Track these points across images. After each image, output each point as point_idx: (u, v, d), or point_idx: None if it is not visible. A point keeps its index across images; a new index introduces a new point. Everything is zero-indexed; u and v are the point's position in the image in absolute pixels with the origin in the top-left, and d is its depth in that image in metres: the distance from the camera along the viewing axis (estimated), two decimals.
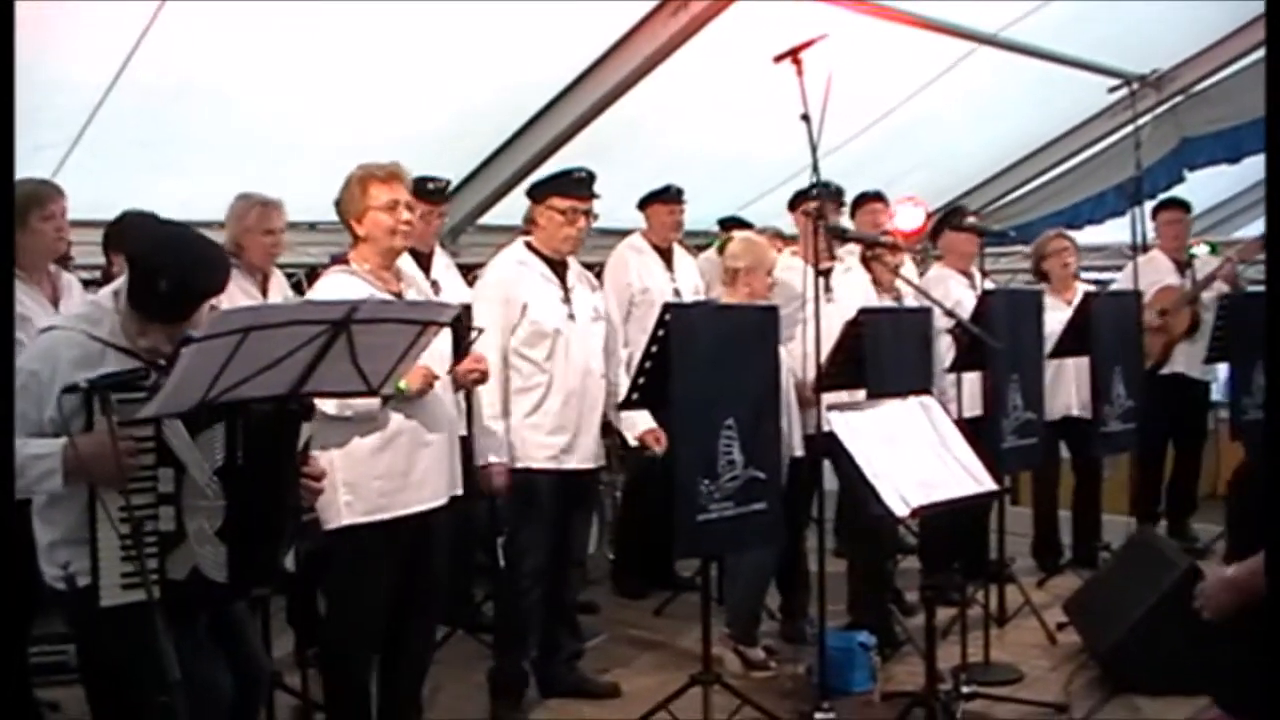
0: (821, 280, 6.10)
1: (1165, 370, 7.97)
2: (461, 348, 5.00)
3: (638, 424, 5.53)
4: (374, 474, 4.61)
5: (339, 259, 4.95)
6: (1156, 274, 8.01)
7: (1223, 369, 7.93)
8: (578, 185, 5.45)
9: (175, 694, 3.03)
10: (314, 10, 5.98)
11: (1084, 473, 7.76)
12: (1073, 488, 7.80)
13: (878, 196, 7.95)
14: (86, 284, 5.68)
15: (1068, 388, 7.31)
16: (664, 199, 7.47)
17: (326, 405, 4.34)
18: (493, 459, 5.34)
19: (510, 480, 5.37)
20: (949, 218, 7.65)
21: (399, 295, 4.67)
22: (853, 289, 6.33)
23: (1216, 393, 8.56)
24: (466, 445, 5.25)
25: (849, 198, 7.75)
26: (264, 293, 5.97)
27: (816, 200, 5.50)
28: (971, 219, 7.30)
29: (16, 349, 4.39)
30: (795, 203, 7.13)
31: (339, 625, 4.81)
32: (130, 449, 3.30)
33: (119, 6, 5.53)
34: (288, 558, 3.69)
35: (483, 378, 5.12)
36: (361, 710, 4.80)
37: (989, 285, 6.73)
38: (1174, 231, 8.25)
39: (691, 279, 7.53)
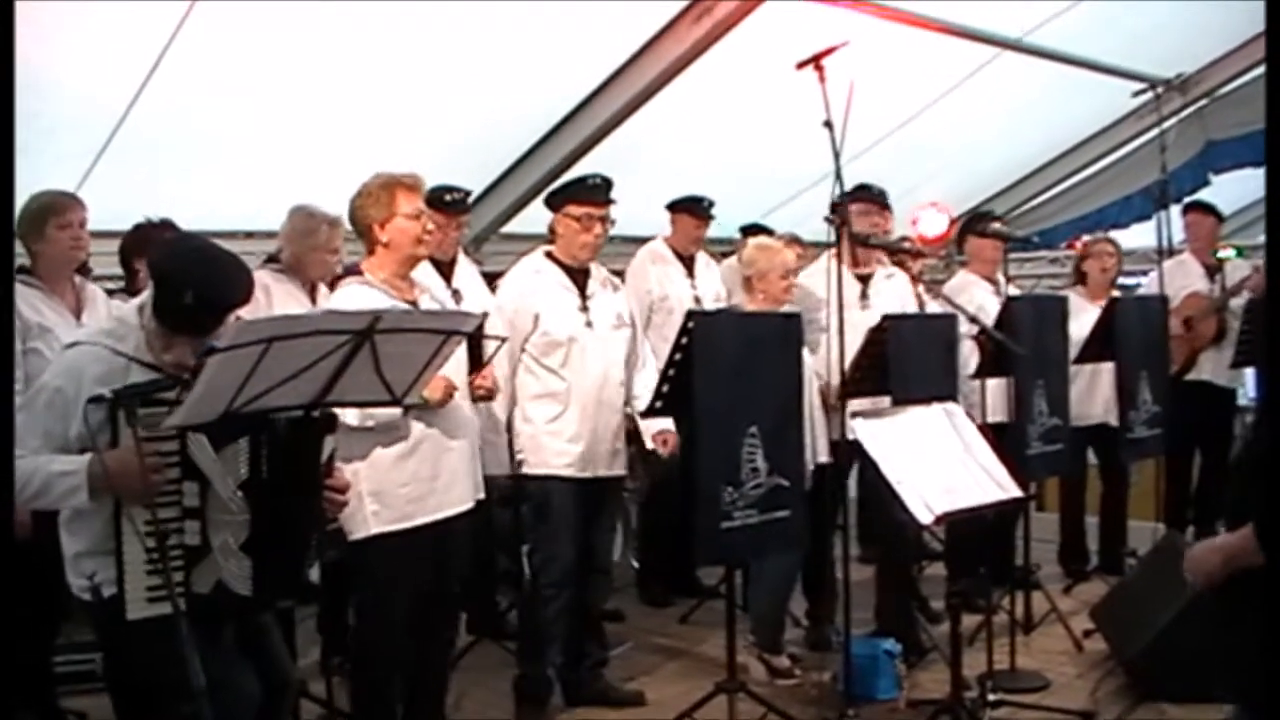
0: (859, 286, 6.12)
1: (1191, 377, 7.89)
2: (478, 357, 5.01)
3: (652, 426, 5.52)
4: (400, 482, 4.62)
5: (352, 269, 4.95)
6: (1186, 278, 7.93)
7: (1249, 374, 7.90)
8: (592, 191, 5.46)
9: (202, 703, 3.04)
10: (337, 22, 6.00)
11: (1112, 478, 7.73)
12: (1100, 494, 7.77)
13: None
14: (110, 294, 5.70)
15: (1104, 393, 7.24)
16: (694, 212, 7.46)
17: (348, 416, 4.35)
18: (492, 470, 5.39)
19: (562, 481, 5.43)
20: (972, 223, 7.64)
21: (414, 304, 4.67)
22: (893, 296, 6.29)
23: (1244, 399, 8.49)
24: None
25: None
26: (313, 302, 5.97)
27: (840, 205, 5.47)
28: (996, 225, 7.26)
29: (38, 360, 4.46)
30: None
31: (369, 634, 4.80)
32: (156, 464, 3.32)
33: (143, 19, 5.55)
34: (312, 570, 3.70)
35: (489, 395, 5.13)
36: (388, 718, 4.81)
37: (1014, 291, 6.70)
38: (1198, 234, 8.17)
39: (713, 286, 7.52)
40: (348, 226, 5.16)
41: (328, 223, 5.83)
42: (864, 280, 6.28)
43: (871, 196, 6.39)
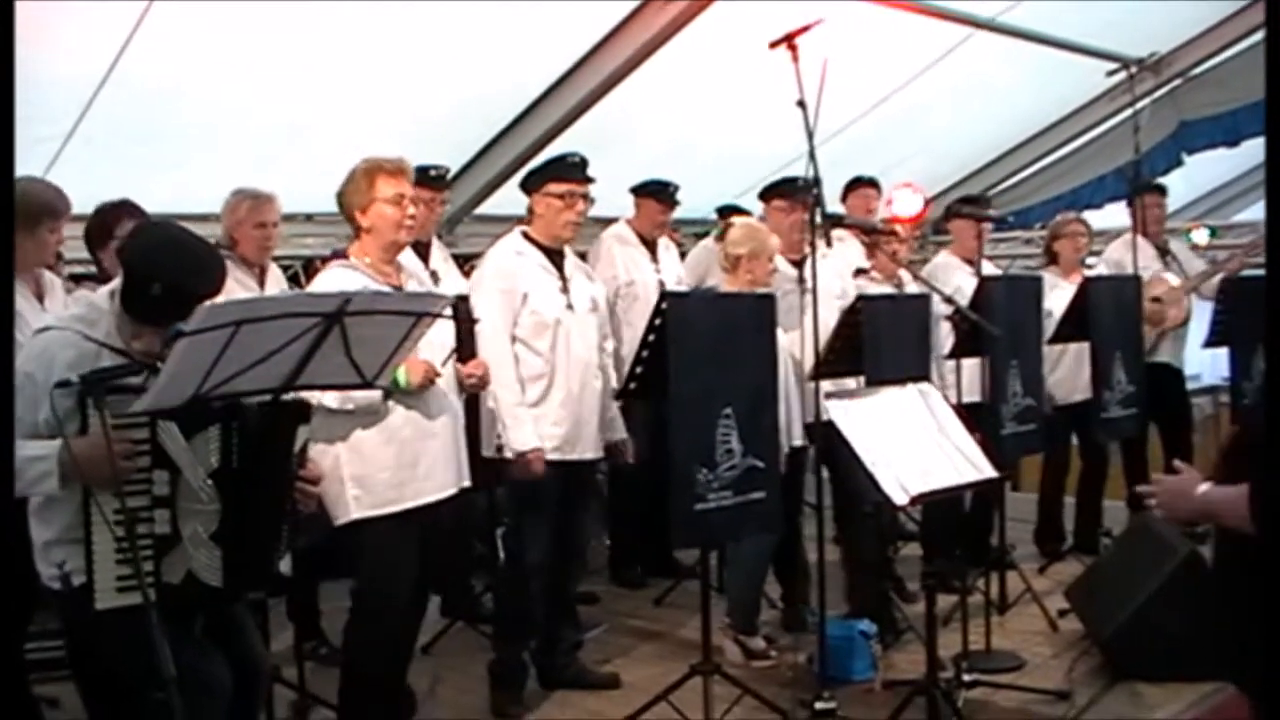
0: (796, 270, 6.08)
1: (1151, 359, 7.89)
2: (464, 339, 4.98)
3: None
4: (381, 467, 4.60)
5: (339, 253, 4.93)
6: (1141, 259, 7.94)
7: (1191, 357, 7.98)
8: (572, 169, 5.43)
9: (171, 690, 3.02)
10: (306, 1, 5.95)
11: (1091, 458, 7.75)
12: (1079, 474, 7.79)
13: (870, 182, 7.93)
14: (80, 279, 5.67)
15: (1088, 373, 7.23)
16: (659, 197, 7.44)
17: (328, 399, 4.35)
18: (522, 448, 5.28)
19: (544, 464, 5.34)
20: (956, 204, 7.64)
21: (399, 288, 4.66)
22: (830, 274, 6.11)
23: (1217, 378, 8.58)
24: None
25: (844, 184, 7.76)
26: (261, 285, 5.97)
27: (812, 190, 5.44)
28: (970, 207, 7.27)
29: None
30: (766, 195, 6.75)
31: (369, 620, 4.77)
32: (126, 451, 3.29)
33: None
34: (283, 562, 3.67)
35: (481, 384, 5.11)
36: (389, 710, 4.79)
37: (992, 270, 6.71)
38: (1155, 216, 8.23)
39: (675, 270, 7.53)
40: (285, 207, 5.15)
41: (251, 197, 5.89)
42: (799, 265, 6.18)
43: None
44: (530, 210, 5.54)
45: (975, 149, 10.74)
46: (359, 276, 4.55)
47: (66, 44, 5.66)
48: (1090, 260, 8.47)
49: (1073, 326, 6.67)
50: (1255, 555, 2.94)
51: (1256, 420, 3.57)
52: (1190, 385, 8.77)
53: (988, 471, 4.92)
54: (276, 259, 6.38)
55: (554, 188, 5.40)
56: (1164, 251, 8.17)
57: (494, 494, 6.03)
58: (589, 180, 5.46)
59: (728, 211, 8.21)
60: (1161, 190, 8.44)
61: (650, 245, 7.47)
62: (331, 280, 4.59)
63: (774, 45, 5.10)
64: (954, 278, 6.82)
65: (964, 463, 4.86)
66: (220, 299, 3.54)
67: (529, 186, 5.51)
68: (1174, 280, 7.98)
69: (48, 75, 5.70)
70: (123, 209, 5.39)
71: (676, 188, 7.46)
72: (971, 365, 6.10)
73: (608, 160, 5.78)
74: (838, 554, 6.23)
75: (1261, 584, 2.94)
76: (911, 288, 6.42)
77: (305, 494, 3.80)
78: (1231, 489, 3.00)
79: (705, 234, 8.52)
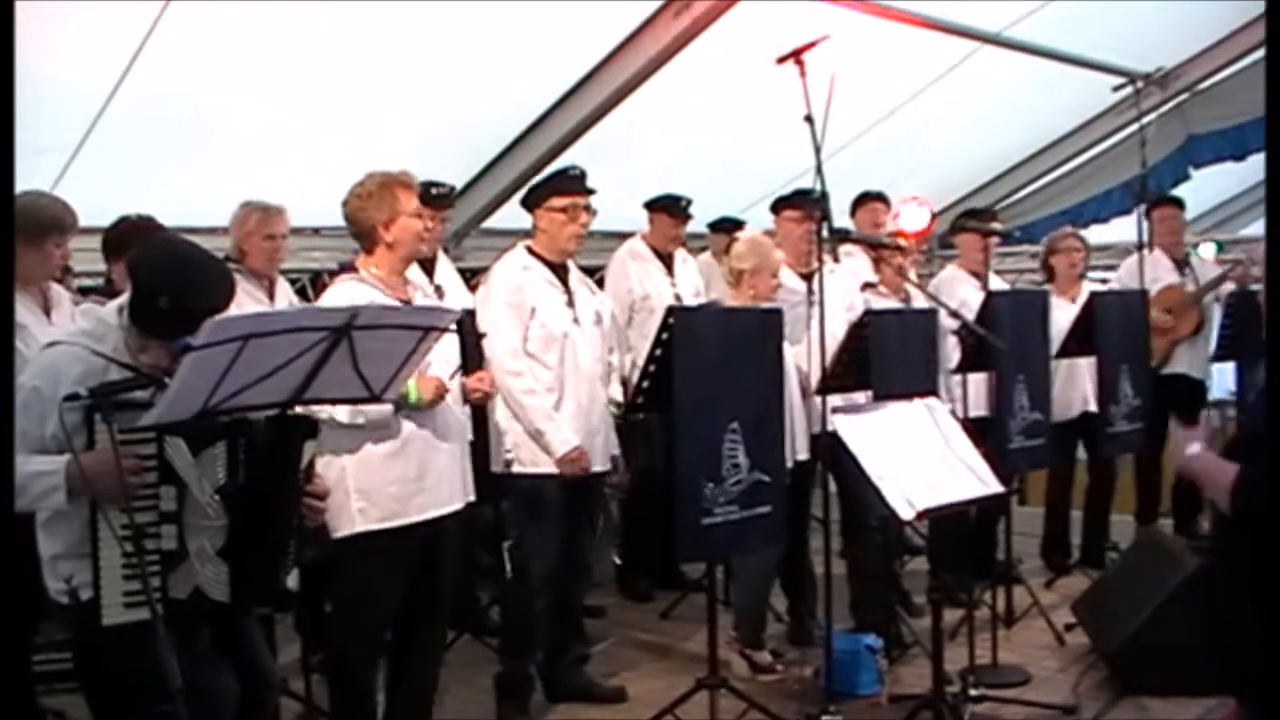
0: (804, 283, 6.09)
1: (1167, 370, 7.90)
2: (469, 353, 4.99)
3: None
4: (387, 480, 4.60)
5: (348, 266, 4.93)
6: (1155, 272, 7.94)
7: (1216, 369, 7.97)
8: (573, 182, 5.46)
9: (178, 703, 3.02)
10: (316, 16, 5.97)
11: (1098, 472, 7.73)
12: (1086, 487, 7.77)
13: (878, 196, 7.93)
14: (88, 291, 5.68)
15: (1082, 385, 7.26)
16: (672, 211, 7.45)
17: (339, 413, 4.35)
18: (565, 449, 5.32)
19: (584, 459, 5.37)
20: (962, 218, 7.64)
21: (408, 302, 4.66)
22: (840, 290, 6.11)
23: (1221, 392, 8.56)
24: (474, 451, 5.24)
25: (851, 199, 7.76)
26: (270, 298, 5.99)
27: (817, 204, 5.45)
28: (975, 221, 7.27)
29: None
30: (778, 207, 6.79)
31: (345, 630, 4.78)
32: (133, 466, 3.29)
33: (121, 12, 5.52)
34: (290, 577, 3.67)
35: (486, 398, 5.12)
36: (367, 715, 4.78)
37: (1000, 286, 6.70)
38: (1170, 228, 8.24)
39: (692, 283, 7.52)
40: (293, 221, 5.15)
41: (261, 209, 5.90)
42: (807, 278, 6.20)
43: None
44: (534, 225, 5.56)
45: (982, 163, 10.74)
46: (368, 290, 4.56)
47: (77, 55, 5.68)
48: (1106, 276, 8.46)
49: (1079, 341, 6.66)
50: (1254, 567, 2.96)
51: (1256, 413, 3.63)
52: None
53: (994, 486, 4.92)
54: (284, 273, 6.39)
55: (556, 201, 5.42)
56: (1181, 264, 8.15)
57: (500, 506, 6.03)
58: (590, 191, 5.48)
59: (722, 224, 8.25)
60: (1178, 203, 8.42)
61: (666, 259, 7.47)
62: (342, 294, 4.57)
63: (781, 61, 5.11)
64: (959, 291, 6.82)
65: (970, 477, 4.86)
66: (231, 311, 3.54)
67: (531, 203, 5.54)
68: (1189, 287, 7.98)
69: (58, 85, 5.72)
70: (144, 229, 5.37)
71: (689, 201, 7.47)
72: (978, 380, 6.10)
73: (615, 174, 5.79)
74: (844, 568, 6.23)
75: (1262, 597, 2.95)
76: (919, 302, 6.43)
77: (312, 509, 3.80)
78: (1220, 462, 3.14)
79: (706, 248, 8.54)
